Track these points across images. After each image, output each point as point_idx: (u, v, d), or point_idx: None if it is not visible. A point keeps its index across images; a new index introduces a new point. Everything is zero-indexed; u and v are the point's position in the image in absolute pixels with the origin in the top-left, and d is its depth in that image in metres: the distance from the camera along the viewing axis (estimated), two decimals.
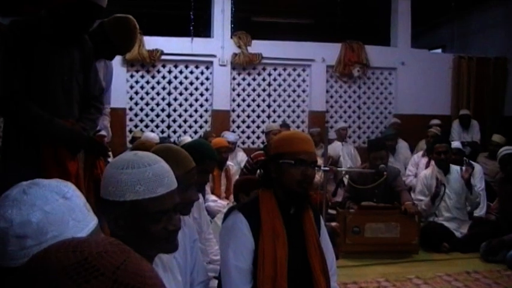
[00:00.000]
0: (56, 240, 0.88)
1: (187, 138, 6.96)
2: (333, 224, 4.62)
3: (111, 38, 3.00)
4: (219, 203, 5.37)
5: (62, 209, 1.07)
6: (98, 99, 2.82)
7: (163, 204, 1.35)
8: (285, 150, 2.12)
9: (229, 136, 7.00)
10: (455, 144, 6.02)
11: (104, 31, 3.01)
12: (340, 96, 8.79)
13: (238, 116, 8.38)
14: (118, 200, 1.32)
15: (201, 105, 8.20)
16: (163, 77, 8.06)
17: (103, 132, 3.26)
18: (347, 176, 5.49)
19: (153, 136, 6.68)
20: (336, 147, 7.61)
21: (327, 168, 4.31)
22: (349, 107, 8.84)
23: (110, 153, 5.26)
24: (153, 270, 0.76)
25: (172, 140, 7.84)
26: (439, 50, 10.80)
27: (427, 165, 6.26)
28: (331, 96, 8.75)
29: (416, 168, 6.76)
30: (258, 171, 4.39)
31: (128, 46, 3.12)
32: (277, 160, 2.13)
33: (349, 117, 8.81)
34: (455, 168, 5.32)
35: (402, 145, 7.91)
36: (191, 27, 7.94)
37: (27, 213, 1.05)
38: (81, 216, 1.10)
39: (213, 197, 5.47)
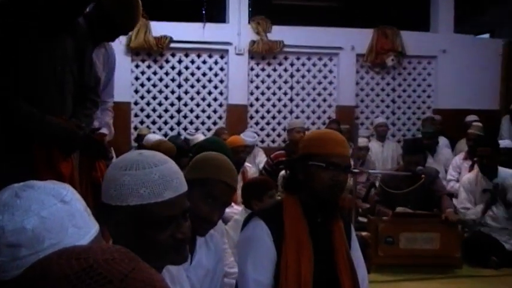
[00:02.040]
0: (53, 249, 0.88)
1: (199, 137, 6.96)
2: (363, 233, 4.59)
3: (111, 13, 2.94)
4: (234, 209, 5.36)
5: (61, 214, 1.07)
6: (94, 92, 2.82)
7: (170, 209, 1.35)
8: (316, 151, 2.11)
9: (248, 138, 6.97)
10: (505, 143, 5.91)
11: (102, 8, 2.95)
12: (372, 89, 8.73)
13: (257, 112, 8.38)
14: (120, 205, 1.32)
15: (215, 99, 8.21)
16: (173, 68, 8.09)
17: (104, 130, 3.26)
18: (379, 179, 5.45)
19: (157, 138, 6.68)
20: (373, 147, 7.55)
21: (356, 171, 4.29)
22: (382, 101, 8.78)
23: (113, 153, 5.30)
24: (163, 280, 0.76)
25: (182, 137, 7.86)
26: (487, 35, 10.65)
27: (471, 169, 6.17)
28: (362, 89, 8.70)
29: (458, 173, 6.67)
30: (283, 172, 4.38)
31: (130, 21, 3.03)
32: (306, 161, 2.12)
33: (382, 112, 8.75)
34: (504, 172, 5.23)
35: (443, 144, 7.82)
36: (203, 11, 7.96)
37: (21, 219, 1.04)
38: (81, 222, 1.09)
39: None
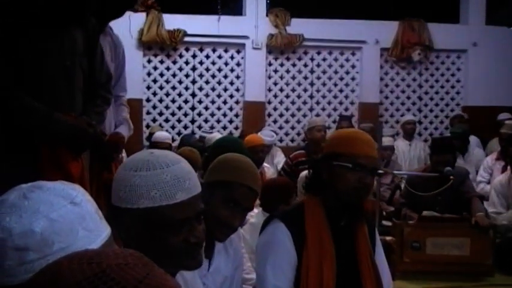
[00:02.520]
0: (63, 254, 0.88)
1: (216, 135, 6.98)
2: (388, 238, 4.56)
3: None
4: (252, 212, 5.36)
5: (71, 217, 1.07)
6: (105, 88, 2.83)
7: (183, 211, 1.35)
8: (342, 150, 2.11)
9: (266, 137, 6.97)
10: None
11: None
12: (397, 85, 8.69)
13: (275, 109, 8.38)
14: (131, 207, 1.33)
15: (231, 96, 8.22)
16: (187, 63, 8.12)
17: (123, 127, 3.25)
18: (404, 181, 5.41)
19: (165, 136, 6.71)
20: (399, 146, 7.50)
21: (381, 172, 4.26)
22: (408, 98, 8.73)
23: (124, 154, 5.31)
24: (177, 286, 0.77)
25: (197, 136, 7.88)
26: None
27: (504, 170, 6.10)
28: (386, 85, 8.66)
29: (489, 174, 6.60)
30: (305, 172, 4.37)
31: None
32: (331, 161, 2.12)
33: (408, 110, 8.70)
34: None
35: (474, 144, 7.74)
36: (219, 3, 7.97)
37: (29, 221, 1.04)
38: (92, 225, 1.10)
39: None
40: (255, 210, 5.39)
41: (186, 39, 7.93)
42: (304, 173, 4.45)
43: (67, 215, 1.07)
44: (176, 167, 1.37)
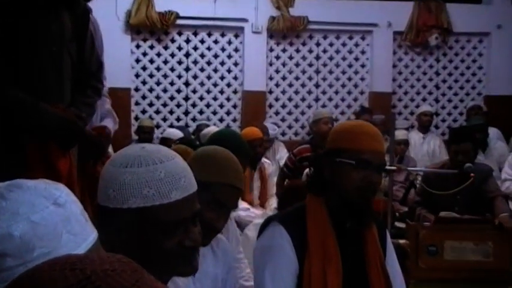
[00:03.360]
0: (45, 259, 0.89)
1: (212, 129, 6.99)
2: (401, 241, 4.57)
3: None
4: (252, 213, 5.38)
5: (54, 219, 1.08)
6: (96, 77, 2.82)
7: (178, 212, 1.36)
8: (346, 145, 2.11)
9: (268, 130, 6.96)
10: None
11: None
12: (412, 73, 8.68)
13: (277, 99, 8.38)
14: (120, 207, 1.33)
15: (229, 85, 8.23)
16: (179, 48, 8.11)
17: (107, 121, 3.25)
18: (420, 178, 5.41)
19: (176, 133, 6.74)
20: (413, 140, 7.49)
21: (393, 168, 4.27)
22: (424, 86, 8.73)
23: (110, 150, 5.31)
24: None
25: (191, 130, 7.89)
26: None
27: None
28: (400, 73, 8.65)
29: None
30: (307, 170, 4.37)
31: None
32: (333, 157, 2.12)
33: (424, 100, 8.70)
34: None
35: (495, 137, 7.73)
36: None
37: (8, 224, 1.05)
38: (77, 227, 1.10)
39: (244, 205, 5.48)
40: (256, 211, 5.42)
41: (179, 22, 7.91)
42: (308, 170, 4.47)
43: (50, 217, 1.08)
44: (170, 163, 1.37)
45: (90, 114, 2.78)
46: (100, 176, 1.41)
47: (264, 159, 5.85)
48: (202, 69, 8.15)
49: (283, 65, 8.36)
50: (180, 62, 8.12)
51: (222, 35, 8.17)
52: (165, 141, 6.47)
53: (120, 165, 1.35)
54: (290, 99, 8.40)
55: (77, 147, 2.64)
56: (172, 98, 8.14)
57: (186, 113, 8.20)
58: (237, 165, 2.08)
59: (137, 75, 8.03)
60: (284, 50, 8.35)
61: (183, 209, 1.37)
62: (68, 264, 0.74)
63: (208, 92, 8.19)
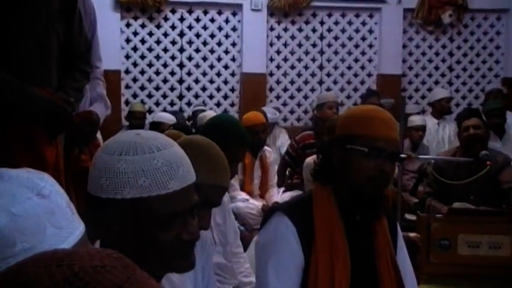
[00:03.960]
0: (27, 255, 0.89)
1: (209, 114, 6.98)
2: (412, 234, 4.57)
3: None
4: (251, 204, 5.39)
5: (37, 211, 1.07)
6: (84, 59, 2.81)
7: (176, 203, 1.36)
8: (358, 132, 2.10)
9: (268, 114, 6.95)
10: None
11: None
12: (423, 54, 8.68)
13: (278, 82, 8.38)
14: (114, 198, 1.33)
15: (226, 67, 8.22)
16: (173, 27, 8.10)
17: (98, 105, 3.23)
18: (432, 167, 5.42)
19: (168, 117, 6.73)
20: (428, 125, 7.46)
21: (403, 156, 4.26)
22: (436, 68, 8.72)
23: (99, 136, 5.29)
24: None
25: (186, 115, 7.88)
26: None
27: None
28: (410, 54, 8.65)
29: None
30: (311, 158, 4.37)
31: None
32: (344, 144, 2.12)
33: (436, 82, 8.70)
34: None
35: None
36: None
37: None
38: (63, 220, 1.10)
39: (243, 195, 5.49)
40: (256, 202, 5.43)
41: None
42: (311, 158, 4.46)
43: (32, 209, 1.07)
44: (168, 151, 1.37)
45: (79, 99, 2.78)
46: (91, 163, 1.41)
47: (265, 147, 5.85)
48: (197, 50, 8.14)
49: (285, 45, 8.34)
50: (173, 42, 8.10)
51: (219, 13, 8.16)
52: (157, 127, 6.44)
53: (113, 153, 1.35)
54: (292, 82, 8.39)
55: (63, 135, 2.64)
56: (165, 81, 8.13)
57: (181, 97, 8.19)
58: (225, 162, 2.09)
59: (127, 57, 8.02)
60: (286, 29, 8.34)
61: (181, 200, 1.37)
62: (55, 260, 0.73)
63: (204, 74, 8.19)
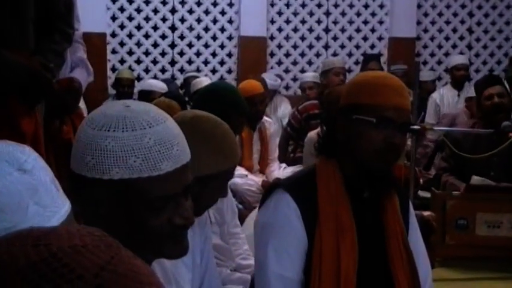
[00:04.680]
0: None
1: (203, 80, 6.97)
2: (426, 213, 4.58)
3: None
4: (250, 180, 5.39)
5: (18, 188, 1.07)
6: (65, 20, 2.79)
7: (168, 185, 1.35)
8: (365, 100, 2.09)
9: (268, 81, 6.96)
10: None
11: None
12: (440, 14, 8.65)
13: (280, 47, 8.36)
14: (100, 178, 1.32)
15: (223, 30, 8.19)
16: None
17: (78, 71, 3.22)
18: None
19: (160, 86, 6.70)
20: (445, 97, 7.47)
21: (417, 127, 4.27)
22: (454, 30, 8.70)
23: (83, 106, 5.29)
24: (152, 274, 0.77)
25: (179, 83, 7.87)
26: None
27: None
28: (425, 14, 8.62)
29: None
30: (314, 132, 4.37)
31: None
32: (349, 114, 2.11)
33: (454, 46, 8.68)
34: None
35: None
36: None
37: None
38: (47, 198, 1.10)
39: (242, 170, 5.49)
40: (256, 178, 5.44)
41: None
42: (315, 131, 4.47)
43: (13, 186, 1.07)
44: (161, 127, 1.35)
45: (59, 64, 2.75)
46: (76, 138, 1.39)
47: (264, 118, 5.85)
48: (190, 11, 8.10)
49: (287, 5, 8.32)
50: (164, 2, 8.07)
51: None
52: (147, 96, 6.39)
53: (101, 128, 1.33)
54: (295, 47, 8.38)
55: (43, 104, 2.63)
56: (155, 45, 8.11)
57: (173, 63, 8.18)
58: (235, 141, 2.18)
59: (113, 18, 7.99)
60: None
61: (174, 182, 1.36)
62: (30, 238, 0.73)
63: (198, 38, 8.17)
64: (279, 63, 8.36)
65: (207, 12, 8.13)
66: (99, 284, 0.69)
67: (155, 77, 7.90)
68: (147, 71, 8.10)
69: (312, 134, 4.59)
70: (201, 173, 1.91)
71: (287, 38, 8.35)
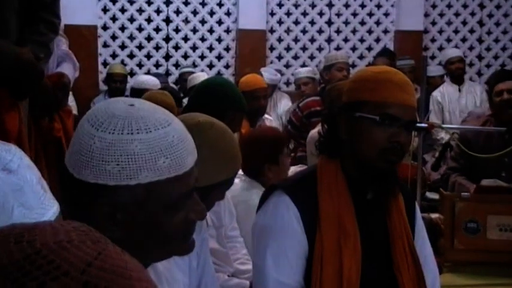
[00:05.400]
0: None
1: (200, 76, 6.98)
2: (434, 216, 4.60)
3: None
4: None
5: (3, 188, 1.08)
6: (50, 9, 2.80)
7: (188, 182, 1.38)
8: (368, 97, 2.10)
9: (265, 74, 6.96)
10: None
11: None
12: (449, 6, 8.65)
13: (280, 40, 8.36)
14: (126, 184, 1.32)
15: (220, 23, 8.20)
16: None
17: (65, 66, 3.21)
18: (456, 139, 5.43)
19: (152, 82, 6.69)
20: (447, 92, 7.48)
21: (423, 125, 4.27)
22: (464, 23, 8.70)
23: (73, 103, 5.28)
24: (140, 270, 0.77)
25: (174, 78, 7.87)
26: None
27: None
28: (434, 6, 8.63)
29: None
30: (315, 130, 4.37)
31: None
32: (352, 112, 2.12)
33: (464, 40, 8.68)
34: None
35: None
36: None
37: None
38: (33, 200, 1.10)
39: (239, 170, 5.50)
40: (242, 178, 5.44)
41: None
42: (316, 130, 4.47)
43: None
44: (175, 123, 1.38)
45: (47, 55, 2.75)
46: (75, 147, 1.34)
47: (265, 115, 5.85)
48: (186, 3, 8.11)
49: None
50: None
51: None
52: (139, 94, 6.38)
53: (121, 132, 1.32)
54: (296, 40, 8.38)
55: (27, 100, 2.62)
56: (149, 39, 8.11)
57: (167, 57, 8.18)
58: (238, 151, 2.22)
59: (105, 10, 7.98)
60: None
61: (191, 178, 1.39)
62: (13, 235, 0.73)
63: (194, 31, 8.17)
64: (279, 57, 8.36)
65: (203, 3, 8.13)
66: (86, 281, 0.69)
67: (149, 72, 7.89)
68: (140, 65, 8.10)
69: (314, 132, 4.59)
70: (204, 183, 1.93)
71: (288, 31, 8.35)
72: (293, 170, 5.43)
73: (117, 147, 1.31)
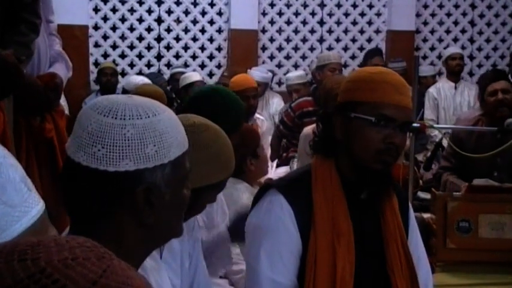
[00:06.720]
0: None
1: (193, 75, 6.97)
2: (426, 215, 4.60)
3: None
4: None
5: None
6: (31, 9, 2.78)
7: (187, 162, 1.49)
8: (363, 98, 2.10)
9: (256, 72, 6.96)
10: None
11: None
12: (440, 6, 8.67)
13: (272, 40, 8.37)
14: (161, 164, 1.39)
15: (212, 22, 8.20)
16: None
17: (57, 66, 3.21)
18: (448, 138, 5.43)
19: (138, 81, 6.68)
20: (442, 90, 7.50)
21: (416, 125, 4.27)
22: (455, 23, 8.72)
23: (64, 102, 5.26)
24: (146, 284, 0.78)
25: (166, 78, 7.86)
26: None
27: None
28: (425, 6, 8.65)
29: None
30: (308, 128, 4.37)
31: None
32: (347, 112, 2.11)
33: (455, 40, 8.71)
34: None
35: None
36: None
37: None
38: (16, 198, 1.09)
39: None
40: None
41: None
42: (310, 127, 4.46)
43: None
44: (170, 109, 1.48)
45: (28, 57, 2.75)
46: (110, 142, 1.36)
47: (256, 115, 5.84)
48: (178, 2, 8.11)
49: None
50: None
51: None
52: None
53: (145, 116, 1.38)
54: (288, 40, 8.39)
55: (11, 99, 2.61)
56: (140, 39, 8.12)
57: (159, 57, 8.18)
58: (232, 154, 2.27)
59: (96, 9, 7.97)
60: None
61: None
62: (16, 253, 0.72)
63: (186, 31, 8.17)
64: (271, 57, 8.36)
65: (195, 3, 8.13)
66: None
67: (140, 73, 7.90)
68: (131, 65, 8.09)
69: (308, 129, 4.59)
70: (195, 185, 1.93)
71: (279, 31, 8.36)
72: (284, 170, 5.45)
73: (150, 129, 1.38)
